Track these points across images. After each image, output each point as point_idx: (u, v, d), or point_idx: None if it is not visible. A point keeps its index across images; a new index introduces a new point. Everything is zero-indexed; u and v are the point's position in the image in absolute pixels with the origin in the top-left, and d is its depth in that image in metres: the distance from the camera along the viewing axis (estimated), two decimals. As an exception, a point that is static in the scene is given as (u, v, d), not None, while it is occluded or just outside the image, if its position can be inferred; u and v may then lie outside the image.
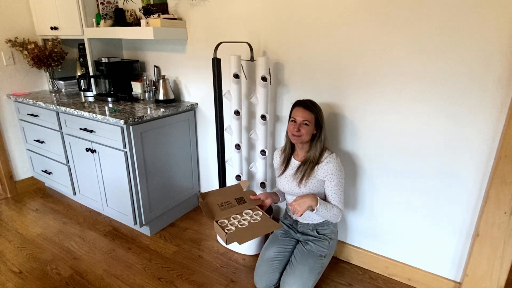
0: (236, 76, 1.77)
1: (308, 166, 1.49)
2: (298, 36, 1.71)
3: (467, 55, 1.32)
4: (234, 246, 2.01)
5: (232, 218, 1.46)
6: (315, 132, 1.48)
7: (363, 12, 1.49)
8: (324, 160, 1.47)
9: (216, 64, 1.68)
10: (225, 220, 1.44)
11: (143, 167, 1.97)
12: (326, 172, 1.46)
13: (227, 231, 1.35)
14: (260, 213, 1.49)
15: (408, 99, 1.49)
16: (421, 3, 1.35)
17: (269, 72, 1.76)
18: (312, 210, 1.44)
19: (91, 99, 2.35)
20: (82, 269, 1.84)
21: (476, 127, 1.38)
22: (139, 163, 1.93)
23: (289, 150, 1.60)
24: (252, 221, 1.43)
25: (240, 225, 1.41)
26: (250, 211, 1.51)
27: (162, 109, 2.04)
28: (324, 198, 1.54)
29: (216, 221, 1.43)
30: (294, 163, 1.57)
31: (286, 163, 1.60)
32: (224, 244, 2.00)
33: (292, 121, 1.48)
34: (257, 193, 1.65)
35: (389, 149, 1.61)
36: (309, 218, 1.59)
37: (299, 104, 1.49)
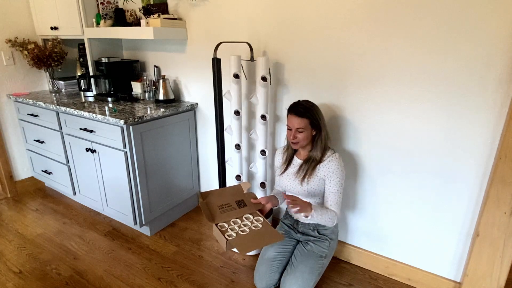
0: (236, 76, 1.77)
1: (310, 165, 1.49)
2: (298, 36, 1.71)
3: (467, 55, 1.32)
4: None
5: (232, 222, 1.43)
6: (314, 133, 1.48)
7: (363, 12, 1.49)
8: (326, 159, 1.48)
9: (216, 64, 1.68)
10: (225, 224, 1.41)
11: (143, 167, 1.97)
12: (327, 170, 1.46)
13: (227, 237, 1.31)
14: (261, 219, 1.47)
15: (409, 99, 1.49)
16: (421, 3, 1.35)
17: (269, 72, 1.76)
18: (306, 216, 1.44)
19: (91, 99, 2.35)
20: (82, 269, 1.84)
21: (476, 127, 1.38)
22: (139, 163, 1.93)
23: (292, 149, 1.60)
24: (253, 228, 1.40)
25: (241, 231, 1.37)
26: (251, 216, 1.49)
27: (162, 109, 2.04)
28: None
29: (216, 224, 1.40)
30: (297, 161, 1.58)
31: (289, 161, 1.60)
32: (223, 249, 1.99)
33: (288, 129, 1.49)
34: (257, 194, 1.65)
35: (389, 149, 1.61)
36: (309, 218, 1.59)
37: (290, 110, 1.47)
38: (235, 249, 2.00)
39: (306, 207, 1.39)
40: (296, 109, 1.45)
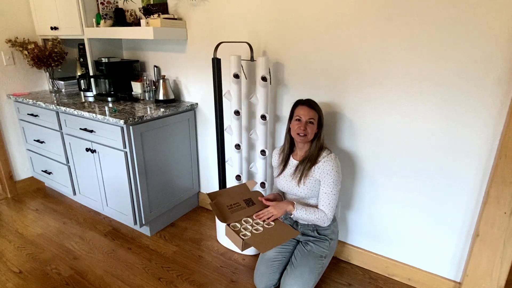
0: (236, 76, 1.77)
1: (306, 165, 1.49)
2: (298, 36, 1.71)
3: (467, 55, 1.32)
4: (234, 246, 2.01)
5: (244, 221, 1.42)
6: (317, 131, 1.48)
7: (363, 13, 1.49)
8: (322, 160, 1.48)
9: (216, 64, 1.68)
10: (237, 224, 1.40)
11: (143, 167, 1.97)
12: (322, 171, 1.46)
13: (242, 237, 1.29)
14: None
15: (408, 99, 1.49)
16: (421, 4, 1.35)
17: (269, 72, 1.76)
18: (290, 214, 1.46)
19: (91, 99, 2.35)
20: (82, 269, 1.84)
21: (476, 127, 1.38)
22: (139, 163, 1.93)
23: (288, 150, 1.60)
24: (266, 226, 1.40)
25: (255, 230, 1.36)
26: None
27: (162, 109, 2.04)
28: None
29: (228, 225, 1.38)
30: (293, 162, 1.57)
31: (285, 162, 1.60)
32: (239, 250, 1.96)
33: (297, 120, 1.48)
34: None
35: (389, 149, 1.61)
36: (293, 217, 1.59)
37: (302, 103, 1.49)
38: (239, 250, 2.00)
39: (280, 208, 1.43)
40: (308, 102, 1.49)
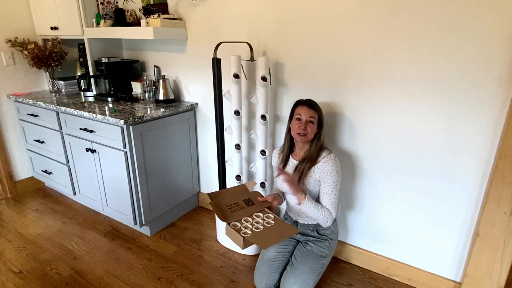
0: (236, 76, 1.77)
1: (306, 165, 1.49)
2: (298, 36, 1.71)
3: (467, 55, 1.32)
4: (234, 246, 2.01)
5: (244, 220, 1.43)
6: (317, 131, 1.49)
7: (363, 13, 1.49)
8: (321, 160, 1.48)
9: (216, 64, 1.68)
10: (237, 223, 1.40)
11: (143, 167, 1.97)
12: (322, 171, 1.46)
13: (243, 235, 1.31)
14: (272, 216, 1.47)
15: (408, 99, 1.49)
16: (421, 4, 1.35)
17: (269, 72, 1.76)
18: (299, 204, 1.44)
19: (91, 99, 2.35)
20: (82, 269, 1.84)
21: (476, 127, 1.38)
22: (139, 163, 1.93)
23: (288, 150, 1.60)
24: (266, 225, 1.40)
25: (255, 228, 1.37)
26: (261, 214, 1.49)
27: (162, 109, 2.04)
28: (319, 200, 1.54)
29: (229, 224, 1.39)
30: (293, 162, 1.58)
31: (285, 162, 1.60)
32: (240, 250, 1.96)
33: (297, 119, 1.48)
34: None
35: (389, 149, 1.61)
36: (308, 218, 1.59)
37: (302, 103, 1.49)
38: (239, 250, 2.01)
39: (299, 191, 1.43)
40: (308, 101, 1.49)
